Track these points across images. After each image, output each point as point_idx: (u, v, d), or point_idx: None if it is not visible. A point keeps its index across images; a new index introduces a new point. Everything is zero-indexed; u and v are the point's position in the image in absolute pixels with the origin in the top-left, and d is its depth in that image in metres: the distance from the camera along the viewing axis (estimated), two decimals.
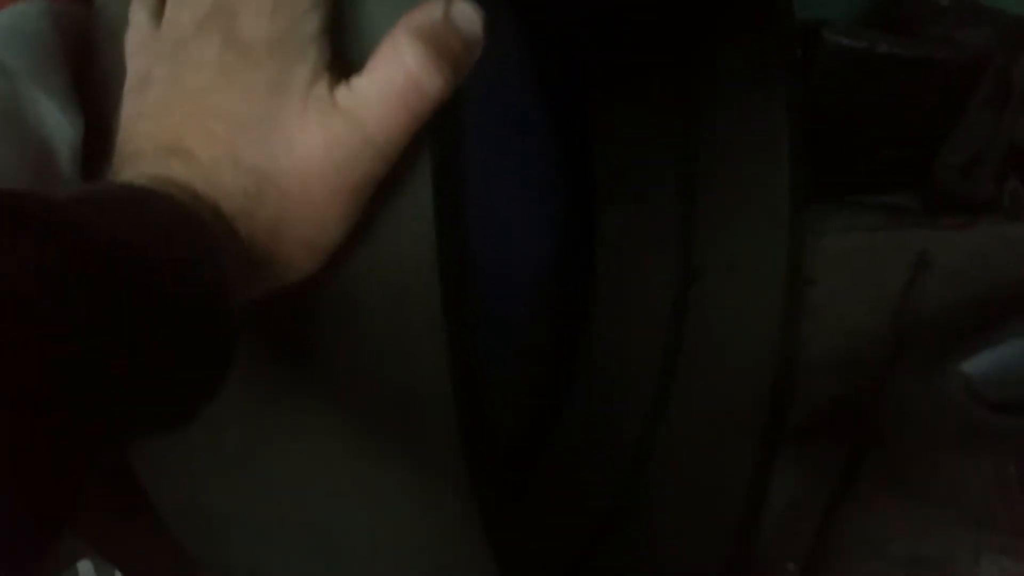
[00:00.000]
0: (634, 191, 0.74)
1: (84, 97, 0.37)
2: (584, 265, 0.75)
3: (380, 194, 0.31)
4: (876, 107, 0.79)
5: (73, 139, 0.35)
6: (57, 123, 0.35)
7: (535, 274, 0.74)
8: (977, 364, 0.56)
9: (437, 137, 0.31)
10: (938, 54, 0.75)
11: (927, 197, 0.76)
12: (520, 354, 0.72)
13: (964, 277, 0.66)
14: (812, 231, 0.73)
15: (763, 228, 0.69)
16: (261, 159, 0.31)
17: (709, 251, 0.71)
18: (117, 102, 0.35)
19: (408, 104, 0.30)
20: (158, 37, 0.34)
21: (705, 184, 0.71)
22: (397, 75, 0.30)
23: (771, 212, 0.70)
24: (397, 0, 0.31)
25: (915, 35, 0.77)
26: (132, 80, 0.35)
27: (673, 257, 0.72)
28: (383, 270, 0.32)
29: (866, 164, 0.81)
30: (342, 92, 0.31)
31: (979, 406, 0.55)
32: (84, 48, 0.38)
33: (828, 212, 0.78)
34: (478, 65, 0.31)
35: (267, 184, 0.31)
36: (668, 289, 0.72)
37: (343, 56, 0.32)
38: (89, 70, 0.38)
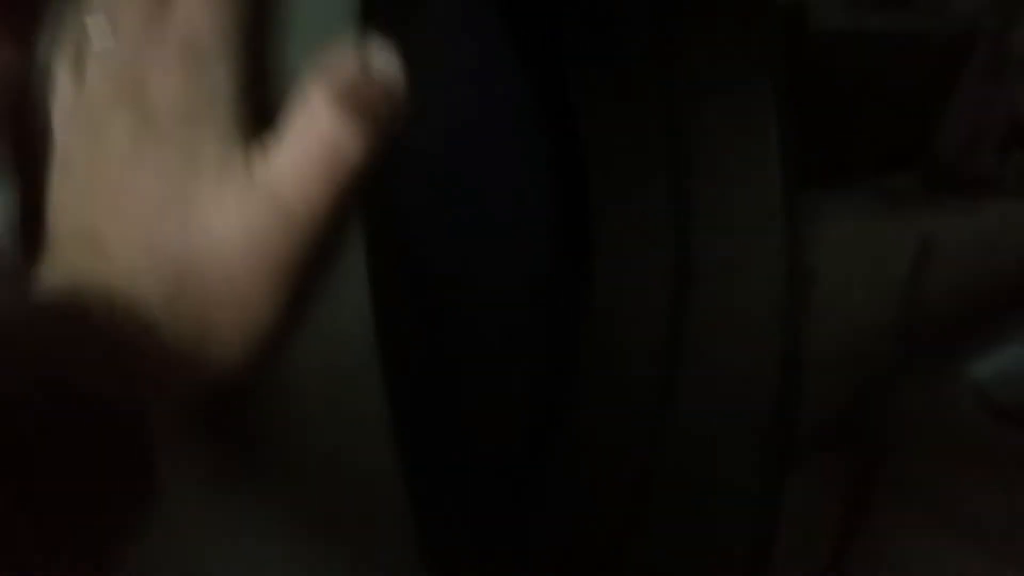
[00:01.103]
0: (625, 191, 0.72)
1: (20, 159, 0.35)
2: (580, 270, 0.73)
3: (313, 268, 0.29)
4: (869, 85, 0.76)
5: (4, 211, 0.34)
6: None
7: (530, 280, 0.72)
8: (985, 368, 0.53)
9: (369, 201, 0.28)
10: (928, 26, 0.72)
11: (927, 177, 0.73)
12: (515, 362, 0.71)
13: (971, 262, 0.63)
14: (810, 218, 0.70)
15: (758, 223, 0.67)
16: (178, 246, 0.29)
17: (705, 250, 0.69)
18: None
19: (329, 172, 0.28)
20: (78, 106, 0.32)
21: (696, 180, 0.69)
22: (314, 142, 0.28)
23: (765, 205, 0.68)
24: (314, 45, 0.28)
25: (903, 7, 0.74)
26: (58, 156, 0.33)
27: (669, 258, 0.70)
28: (321, 351, 0.29)
29: (861, 146, 0.78)
30: (258, 166, 0.29)
31: (991, 419, 0.52)
32: (20, 105, 0.37)
33: (825, 198, 0.75)
34: (467, 70, 0.29)
35: (187, 273, 0.29)
36: (665, 291, 0.70)
37: (261, 116, 0.29)
38: (25, 127, 0.36)
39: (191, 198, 0.29)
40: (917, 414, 0.57)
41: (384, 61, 0.28)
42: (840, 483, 0.55)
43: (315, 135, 0.28)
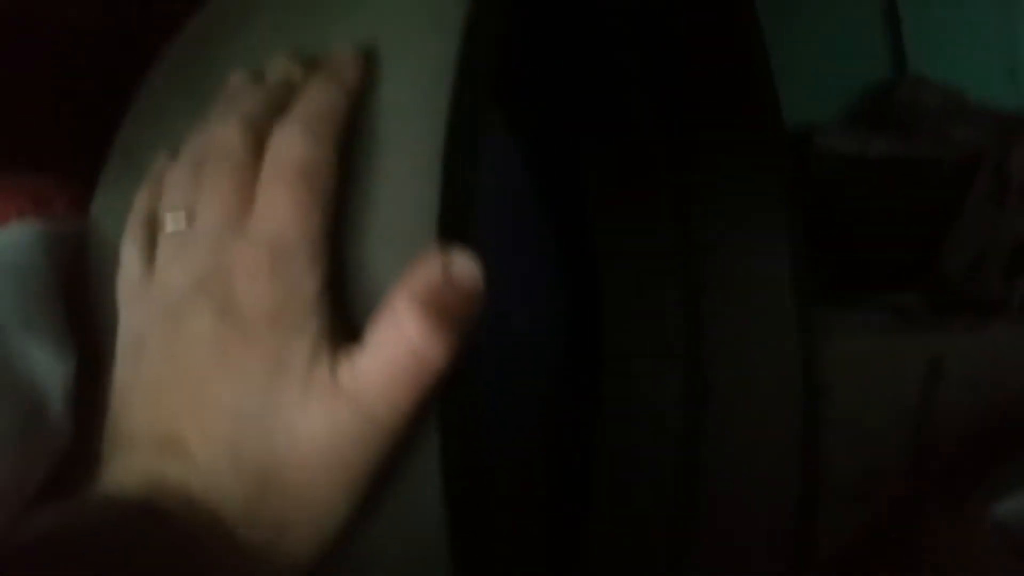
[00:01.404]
0: (639, 308, 0.73)
1: (76, 327, 0.34)
2: (592, 378, 0.74)
3: (387, 468, 0.29)
4: (874, 207, 0.79)
5: (65, 379, 0.33)
6: (49, 368, 0.32)
7: (541, 387, 0.73)
8: (1009, 507, 0.54)
9: (444, 400, 0.28)
10: (932, 152, 0.75)
11: (934, 296, 0.75)
12: (528, 469, 0.70)
13: (981, 383, 0.65)
14: (822, 334, 0.71)
15: (771, 340, 0.68)
16: (262, 455, 0.29)
17: (718, 366, 0.70)
18: (107, 334, 0.33)
19: (414, 380, 0.28)
20: (150, 291, 0.32)
21: (709, 296, 0.70)
22: (400, 350, 0.28)
23: (778, 322, 0.69)
24: (396, 248, 0.29)
25: (906, 134, 0.77)
26: (125, 336, 0.32)
27: (681, 373, 0.70)
28: (392, 549, 0.29)
29: (870, 264, 0.80)
30: (344, 372, 0.29)
31: (1015, 558, 0.53)
32: (77, 273, 0.36)
33: (837, 313, 0.77)
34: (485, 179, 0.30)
35: (270, 476, 0.29)
36: (679, 408, 0.71)
37: (343, 317, 0.29)
38: (82, 296, 0.35)
39: (277, 406, 0.29)
40: (940, 549, 0.57)
41: (466, 268, 0.29)
42: None
43: (401, 343, 0.28)
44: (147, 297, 0.32)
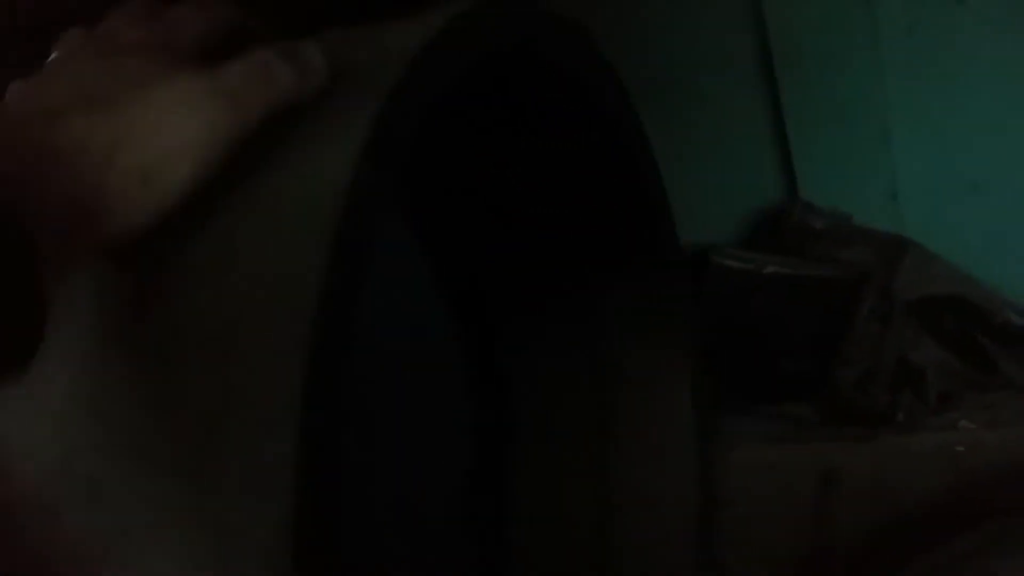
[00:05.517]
0: (548, 424, 0.75)
1: None
2: (499, 497, 0.74)
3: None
4: (769, 321, 0.82)
5: None
6: None
7: (448, 501, 0.73)
8: None
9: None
10: (821, 272, 0.79)
11: (827, 408, 0.78)
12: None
13: (872, 493, 0.67)
14: (720, 443, 0.73)
15: (672, 458, 0.69)
16: (107, 88, 0.35)
17: (624, 485, 0.71)
18: None
19: (261, 75, 0.36)
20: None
21: (615, 417, 0.72)
22: (257, 58, 0.37)
23: (678, 440, 0.71)
24: None
25: (797, 255, 0.81)
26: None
27: (591, 492, 0.72)
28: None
29: (766, 376, 0.83)
30: (208, 73, 0.36)
31: None
32: None
33: (734, 422, 0.79)
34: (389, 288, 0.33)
35: (107, 106, 0.34)
36: (587, 524, 0.72)
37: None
38: None
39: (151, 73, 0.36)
40: None
41: (312, 50, 0.38)
42: None
43: (258, 56, 0.37)
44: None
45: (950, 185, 0.89)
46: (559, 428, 0.71)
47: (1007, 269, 0.86)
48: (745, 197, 0.90)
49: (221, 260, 0.34)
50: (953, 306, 0.81)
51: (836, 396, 0.76)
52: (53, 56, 0.39)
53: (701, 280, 0.80)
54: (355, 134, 0.35)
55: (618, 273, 0.70)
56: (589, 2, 0.69)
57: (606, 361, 0.72)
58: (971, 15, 0.87)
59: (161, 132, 0.34)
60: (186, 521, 0.32)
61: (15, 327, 0.31)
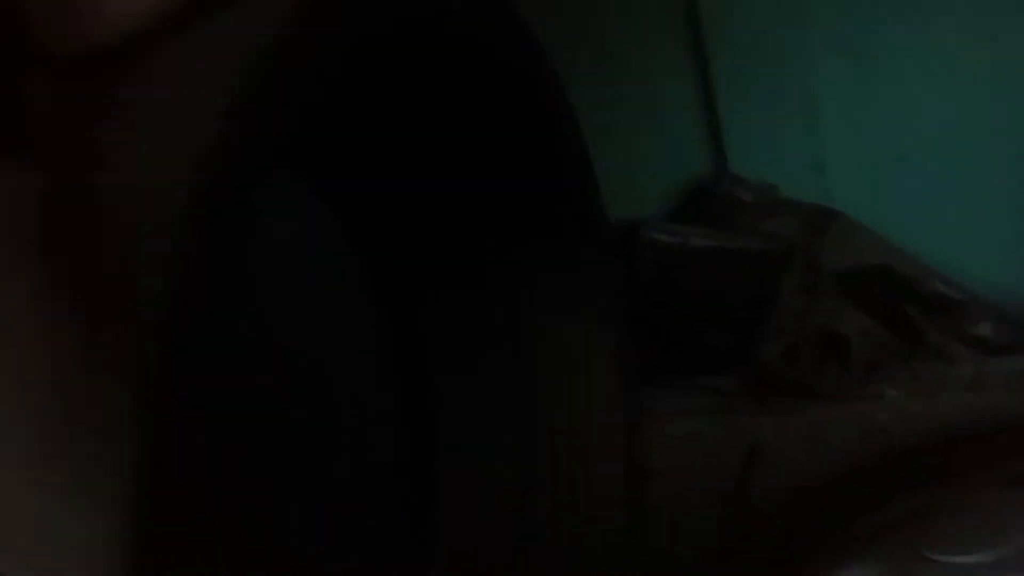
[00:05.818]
0: (471, 405, 0.74)
1: None
2: (422, 481, 0.73)
3: None
4: (696, 294, 0.82)
5: None
6: None
7: (370, 488, 0.72)
8: None
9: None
10: (748, 244, 0.78)
11: (753, 380, 0.78)
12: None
13: (799, 465, 0.67)
14: (647, 416, 0.73)
15: (598, 432, 0.69)
16: None
17: (549, 461, 0.70)
18: None
19: None
20: None
21: (541, 391, 0.71)
22: None
23: (604, 415, 0.70)
24: None
25: (725, 227, 0.80)
26: None
27: (515, 470, 0.71)
28: None
29: (694, 349, 0.83)
30: None
31: None
32: None
33: (661, 396, 0.79)
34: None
35: None
36: (510, 502, 0.71)
37: None
38: None
39: None
40: None
41: None
42: None
43: None
44: None
45: (877, 157, 0.90)
46: (482, 407, 0.70)
47: (933, 240, 0.87)
48: (675, 171, 0.90)
49: None
50: (880, 276, 0.81)
51: (763, 368, 0.76)
52: None
53: (630, 254, 0.79)
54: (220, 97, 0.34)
55: (544, 247, 0.69)
56: None
57: (532, 336, 0.71)
58: None
59: None
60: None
61: None
